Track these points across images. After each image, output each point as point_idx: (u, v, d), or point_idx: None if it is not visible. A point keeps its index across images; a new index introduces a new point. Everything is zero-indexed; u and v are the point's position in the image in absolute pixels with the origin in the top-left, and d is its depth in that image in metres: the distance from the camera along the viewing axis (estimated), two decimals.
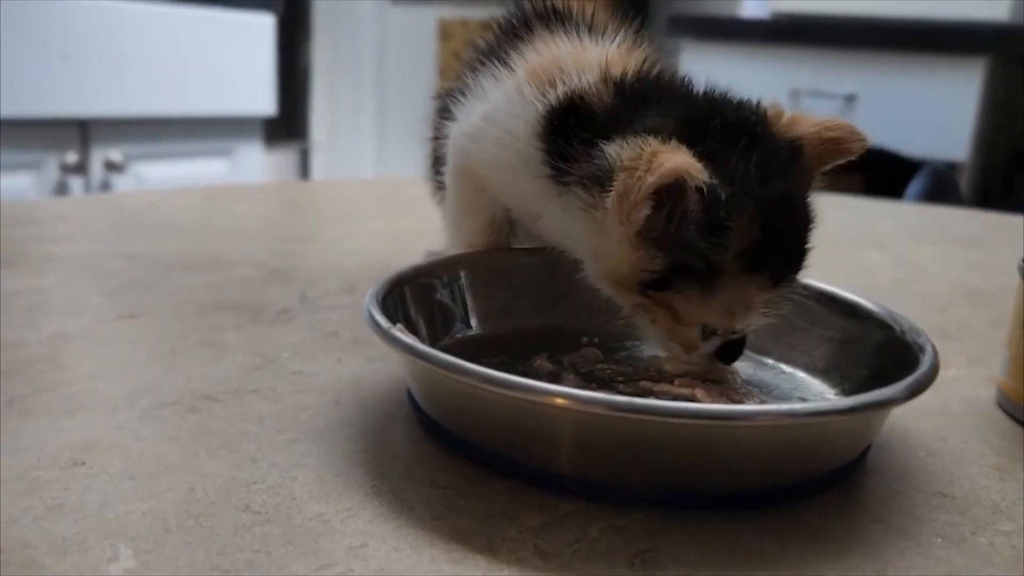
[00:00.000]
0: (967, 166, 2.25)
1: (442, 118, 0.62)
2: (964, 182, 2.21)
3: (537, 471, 0.43)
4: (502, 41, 0.58)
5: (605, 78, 0.50)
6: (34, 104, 1.93)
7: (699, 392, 0.48)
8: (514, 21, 0.60)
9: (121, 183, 2.11)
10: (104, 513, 0.39)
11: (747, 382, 0.53)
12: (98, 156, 2.09)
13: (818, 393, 0.53)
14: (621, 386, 0.50)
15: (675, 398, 0.48)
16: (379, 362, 0.58)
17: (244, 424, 0.49)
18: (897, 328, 0.51)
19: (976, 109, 2.23)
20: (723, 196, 0.43)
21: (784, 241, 0.47)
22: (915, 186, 1.76)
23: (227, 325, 0.64)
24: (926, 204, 1.65)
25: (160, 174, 2.17)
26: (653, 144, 0.45)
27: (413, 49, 3.08)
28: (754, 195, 0.45)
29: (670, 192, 0.43)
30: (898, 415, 0.51)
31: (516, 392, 0.41)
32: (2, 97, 1.83)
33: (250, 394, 0.52)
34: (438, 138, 0.64)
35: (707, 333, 0.49)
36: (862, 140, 0.49)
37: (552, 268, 0.57)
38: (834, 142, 0.48)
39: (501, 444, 0.44)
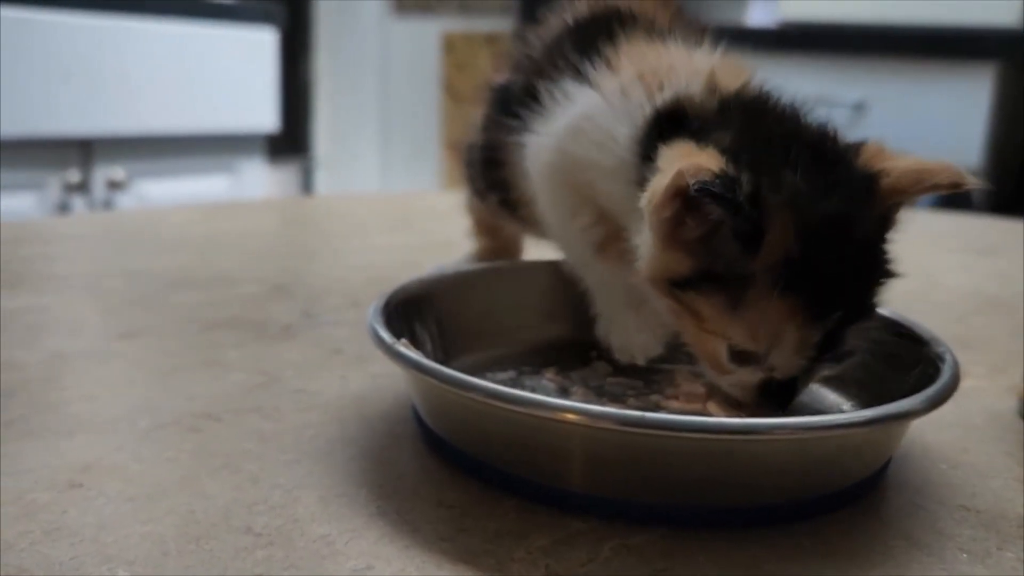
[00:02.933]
0: (979, 173, 2.23)
1: (504, 114, 0.59)
2: (977, 190, 2.20)
3: (547, 489, 0.42)
4: (577, 41, 0.56)
5: (712, 88, 0.48)
6: (35, 123, 1.93)
7: (712, 406, 0.47)
8: (586, 22, 0.58)
9: (123, 201, 2.10)
10: (102, 536, 0.38)
11: None
12: (100, 174, 2.08)
13: (834, 405, 0.52)
14: (632, 400, 0.49)
15: (687, 413, 0.47)
16: (384, 379, 0.57)
17: (245, 444, 0.48)
18: (916, 337, 0.50)
19: (987, 115, 2.21)
20: (743, 193, 0.41)
21: (830, 267, 0.43)
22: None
23: (228, 343, 0.63)
24: (941, 211, 1.64)
25: (163, 191, 2.16)
26: (686, 148, 0.44)
27: (417, 63, 3.08)
28: (796, 206, 0.42)
29: (699, 195, 0.42)
30: (918, 427, 0.49)
31: (525, 408, 0.40)
32: (3, 116, 1.83)
33: (252, 413, 0.51)
34: (493, 135, 0.62)
35: (739, 357, 0.45)
36: (956, 176, 0.45)
37: (561, 281, 0.56)
38: (920, 174, 0.45)
39: (509, 461, 0.43)
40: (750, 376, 0.46)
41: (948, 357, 0.47)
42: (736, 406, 0.47)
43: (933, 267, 1.01)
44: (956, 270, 1.01)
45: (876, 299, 0.46)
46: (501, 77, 0.64)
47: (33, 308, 0.71)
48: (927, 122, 2.21)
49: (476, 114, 0.67)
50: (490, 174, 0.64)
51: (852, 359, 0.47)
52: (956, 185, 0.44)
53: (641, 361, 0.53)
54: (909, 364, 0.49)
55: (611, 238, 0.53)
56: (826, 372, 0.48)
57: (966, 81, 2.22)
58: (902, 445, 0.48)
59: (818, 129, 0.47)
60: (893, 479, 0.46)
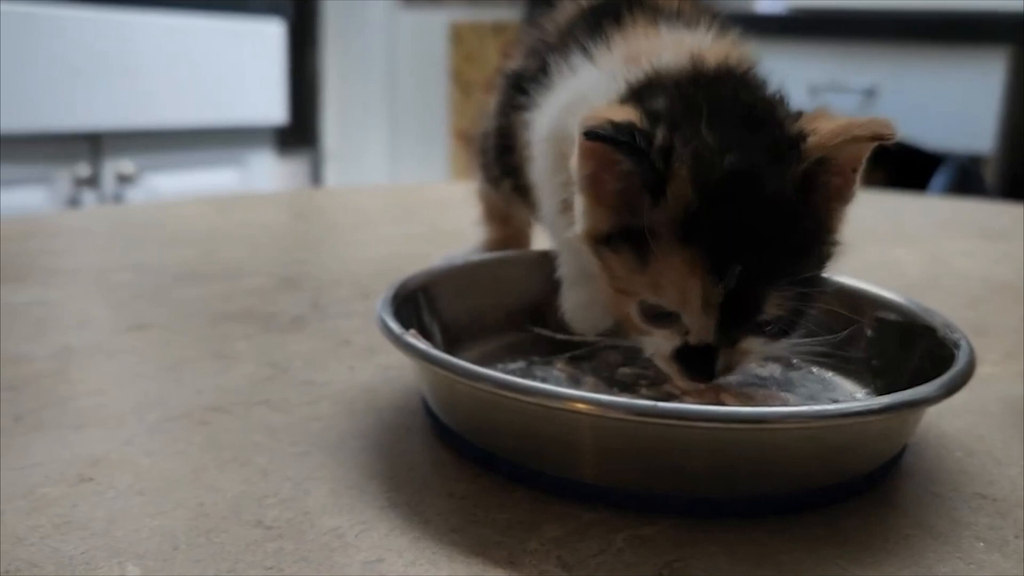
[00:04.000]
0: (992, 158, 2.22)
1: (518, 99, 0.60)
2: (990, 175, 2.18)
3: (558, 479, 0.41)
4: (587, 25, 0.56)
5: (696, 66, 0.48)
6: (45, 118, 1.93)
7: (725, 396, 0.46)
8: (598, 6, 0.58)
9: (133, 195, 2.11)
10: (112, 531, 0.38)
11: (772, 381, 0.51)
12: (110, 168, 2.09)
13: (848, 393, 0.51)
14: (644, 390, 0.49)
15: (700, 402, 0.46)
16: (393, 370, 0.56)
17: (255, 436, 0.47)
18: (930, 323, 0.50)
19: (1000, 100, 2.19)
20: (657, 146, 0.42)
21: (729, 220, 0.42)
22: (939, 180, 1.74)
23: (237, 335, 0.63)
24: (952, 198, 1.63)
25: (172, 185, 2.17)
26: (608, 107, 0.45)
27: (424, 54, 3.07)
28: (699, 158, 0.42)
29: (609, 157, 0.43)
30: (933, 414, 0.49)
31: (535, 398, 0.39)
32: (13, 111, 1.84)
33: (261, 405, 0.51)
34: (507, 120, 0.62)
35: (652, 317, 0.45)
36: (879, 127, 0.43)
37: None
38: (843, 128, 0.43)
39: (520, 452, 0.42)
40: (667, 341, 0.46)
41: (963, 343, 0.46)
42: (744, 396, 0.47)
43: (944, 253, 1.00)
44: (968, 256, 1.00)
45: (799, 263, 0.44)
46: (514, 63, 0.64)
47: (42, 302, 0.71)
48: (939, 107, 2.19)
49: (489, 100, 0.67)
50: (504, 160, 0.64)
51: (801, 335, 0.47)
52: (878, 136, 0.43)
53: (589, 334, 0.53)
54: (923, 350, 0.48)
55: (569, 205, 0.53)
56: (766, 349, 0.47)
57: (978, 66, 2.20)
58: (917, 433, 0.47)
59: (761, 97, 0.47)
60: (908, 467, 0.46)
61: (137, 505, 0.40)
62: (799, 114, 0.46)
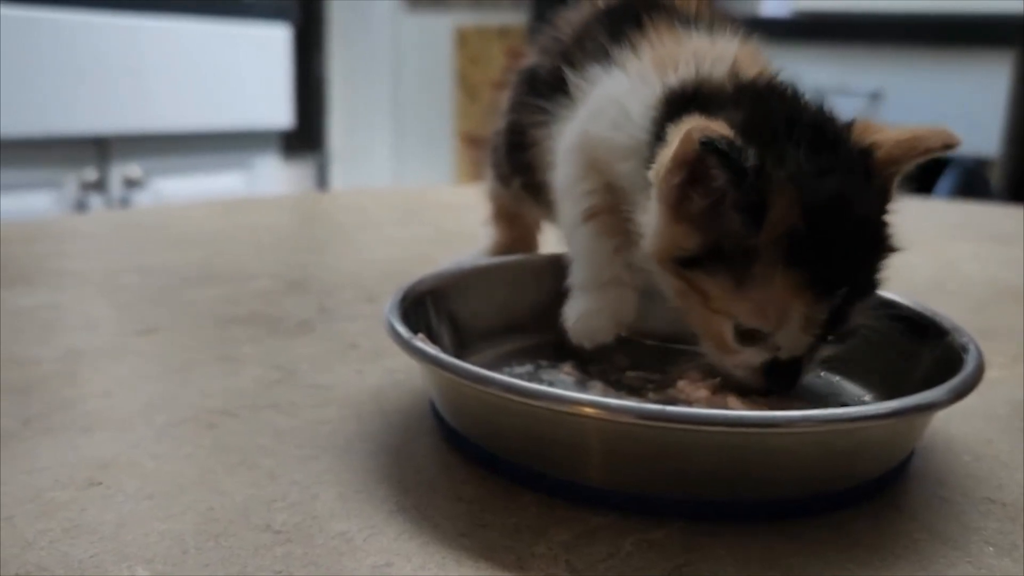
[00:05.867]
0: (998, 162, 2.21)
1: (531, 96, 0.60)
2: (995, 178, 2.18)
3: (566, 483, 0.41)
4: (607, 27, 0.56)
5: (734, 73, 0.49)
6: (52, 122, 1.94)
7: (732, 399, 0.46)
8: (616, 8, 0.58)
9: (140, 199, 2.11)
10: (121, 535, 0.38)
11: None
12: (117, 172, 2.09)
13: (855, 397, 0.51)
14: (651, 394, 0.49)
15: (707, 405, 0.46)
16: (401, 373, 0.56)
17: (262, 440, 0.47)
18: (938, 327, 0.50)
19: (1005, 104, 2.19)
20: (749, 161, 0.42)
21: (834, 242, 0.43)
22: (944, 184, 1.74)
23: (244, 338, 0.63)
24: (958, 201, 1.63)
25: (179, 189, 2.17)
26: (696, 119, 0.44)
27: (430, 57, 3.08)
28: (798, 181, 0.42)
29: (704, 164, 0.43)
30: (941, 418, 0.49)
31: (542, 402, 0.39)
32: (21, 115, 1.84)
33: (268, 409, 0.51)
34: (519, 117, 0.62)
35: (745, 337, 0.45)
36: (946, 137, 0.45)
37: None
38: (911, 141, 0.45)
39: (528, 456, 0.42)
40: (755, 357, 0.46)
41: (971, 347, 0.46)
42: (749, 394, 0.47)
43: (951, 256, 1.00)
44: (974, 259, 1.00)
45: (879, 275, 0.46)
46: (528, 60, 0.64)
47: (50, 305, 0.71)
48: (944, 110, 2.19)
49: (501, 98, 0.67)
50: (515, 157, 0.64)
51: (855, 342, 0.47)
52: (947, 146, 0.45)
53: (588, 345, 0.53)
54: (931, 354, 0.48)
55: (604, 209, 0.53)
56: (829, 353, 0.47)
57: (983, 69, 2.20)
58: (925, 437, 0.47)
59: (817, 110, 0.48)
60: (916, 471, 0.46)
61: (146, 509, 0.40)
62: (850, 124, 0.47)
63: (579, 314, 0.53)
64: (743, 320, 0.45)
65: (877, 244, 0.45)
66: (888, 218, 0.47)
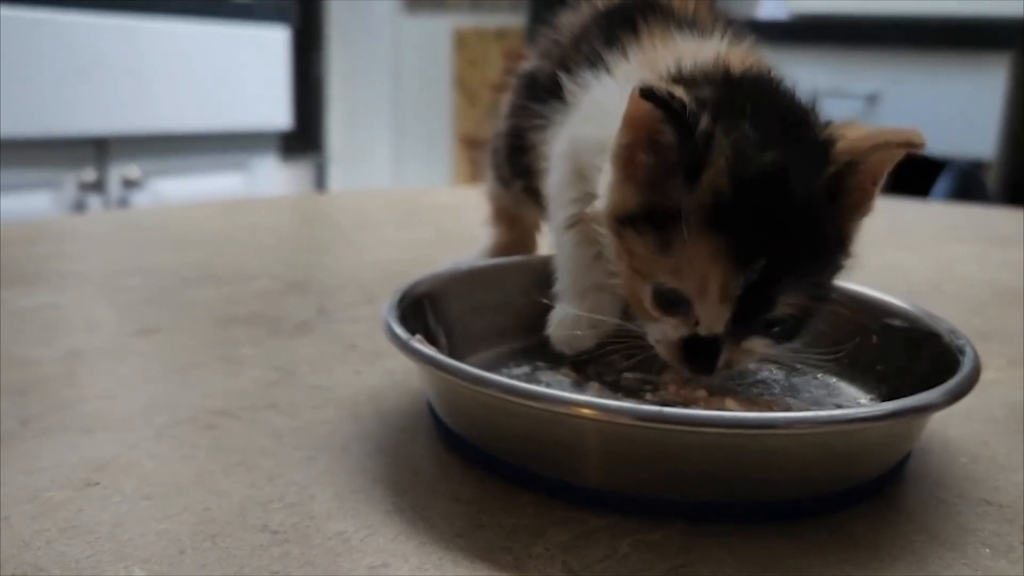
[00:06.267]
0: (994, 164, 2.21)
1: (531, 100, 0.60)
2: (992, 180, 2.18)
3: (564, 484, 0.41)
4: (601, 30, 0.57)
5: (719, 70, 0.49)
6: (51, 122, 1.94)
7: (730, 400, 0.46)
8: (612, 11, 0.59)
9: (139, 199, 2.11)
10: (118, 535, 0.38)
11: (776, 386, 0.51)
12: (116, 173, 2.09)
13: (853, 399, 0.51)
14: (648, 395, 0.49)
15: (705, 407, 0.46)
16: (399, 375, 0.56)
17: (261, 441, 0.47)
18: (935, 329, 0.50)
19: (1002, 106, 2.19)
20: (701, 125, 0.43)
21: (758, 213, 0.43)
22: (941, 186, 1.74)
23: (244, 339, 0.63)
24: (955, 203, 1.63)
25: (177, 190, 2.17)
26: (647, 80, 0.45)
27: (428, 59, 3.08)
28: (738, 150, 0.43)
29: (655, 124, 0.44)
30: (938, 420, 0.49)
31: (541, 403, 0.39)
32: (20, 116, 1.84)
33: (267, 409, 0.51)
34: (520, 121, 0.62)
35: (665, 303, 0.45)
36: (909, 135, 0.44)
37: None
38: (873, 134, 0.45)
39: (526, 457, 0.42)
40: (675, 330, 0.46)
41: (968, 349, 0.46)
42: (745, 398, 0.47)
43: (948, 258, 1.00)
44: (971, 261, 1.00)
45: (816, 268, 0.45)
46: (528, 63, 0.64)
47: (49, 306, 0.71)
48: (941, 113, 2.19)
49: (502, 100, 0.67)
50: (515, 161, 0.64)
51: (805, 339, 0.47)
52: (909, 143, 0.44)
53: (568, 352, 0.53)
54: (928, 356, 0.48)
55: (587, 217, 0.53)
56: (765, 351, 0.47)
57: (980, 72, 2.20)
58: (922, 438, 0.47)
59: (797, 103, 0.48)
60: (913, 473, 0.46)
61: (143, 509, 0.40)
62: (829, 121, 0.47)
63: (560, 322, 0.54)
64: (661, 279, 0.45)
65: (809, 229, 0.44)
66: (840, 214, 0.45)
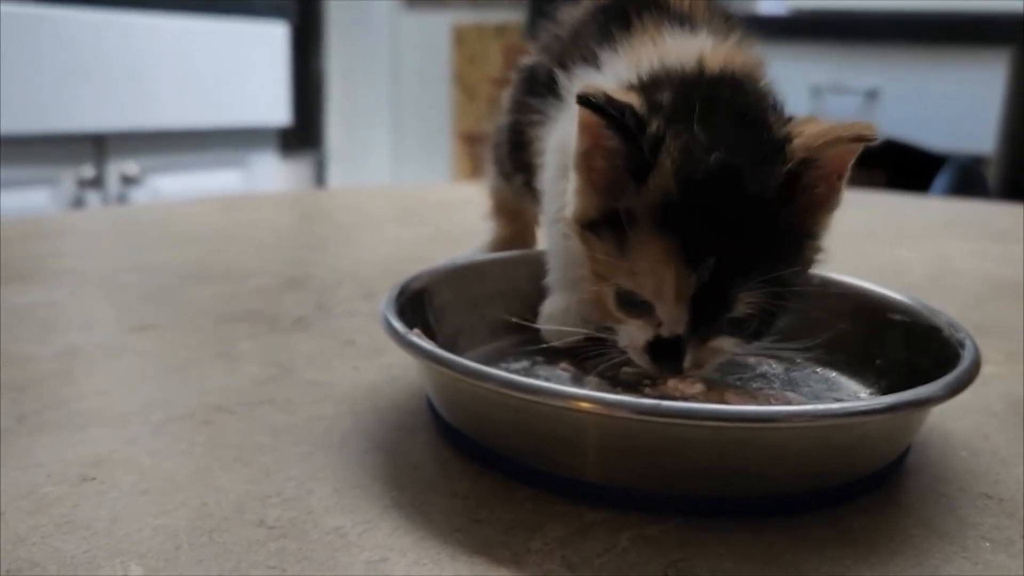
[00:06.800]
0: (994, 160, 2.21)
1: (530, 95, 0.61)
2: (991, 176, 2.18)
3: (562, 479, 0.41)
4: (597, 27, 0.57)
5: (700, 68, 0.49)
6: (49, 119, 1.94)
7: (729, 394, 0.46)
8: (608, 7, 0.59)
9: (137, 196, 2.11)
10: (114, 530, 0.38)
11: (775, 381, 0.51)
12: (114, 170, 2.09)
13: (852, 393, 0.51)
14: (647, 389, 0.49)
15: (704, 401, 0.46)
16: (397, 370, 0.56)
17: (258, 436, 0.47)
18: (935, 323, 0.50)
19: (1001, 101, 2.19)
20: (649, 134, 0.43)
21: (706, 212, 0.43)
22: (941, 182, 1.74)
23: (241, 335, 0.63)
24: (954, 199, 1.63)
25: (176, 186, 2.17)
26: (588, 84, 0.45)
27: (427, 55, 3.07)
28: (686, 151, 0.43)
29: (604, 128, 0.44)
30: (937, 414, 0.49)
31: (539, 397, 0.39)
32: (18, 112, 1.84)
33: (265, 405, 0.51)
34: (520, 116, 0.62)
35: (628, 306, 0.46)
36: (861, 129, 0.43)
37: None
38: (826, 130, 0.44)
39: (524, 451, 0.42)
40: (640, 333, 0.46)
41: (968, 343, 0.46)
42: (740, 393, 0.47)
43: (947, 253, 1.00)
44: (971, 256, 0.99)
45: (773, 263, 0.44)
46: (528, 58, 0.64)
47: (46, 303, 0.71)
48: (940, 109, 2.19)
49: (503, 95, 0.67)
50: (516, 156, 0.64)
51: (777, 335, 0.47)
52: (860, 137, 0.44)
53: (558, 344, 0.53)
54: (928, 350, 0.48)
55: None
56: (735, 348, 0.47)
57: (979, 67, 2.20)
58: (922, 432, 0.47)
59: (754, 100, 0.48)
60: (913, 467, 0.46)
61: (140, 505, 0.40)
62: (789, 118, 0.47)
63: (548, 314, 0.54)
64: (620, 282, 0.46)
65: (762, 227, 0.44)
66: (797, 210, 0.45)
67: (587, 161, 0.47)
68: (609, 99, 0.43)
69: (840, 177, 0.45)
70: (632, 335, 0.47)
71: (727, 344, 0.46)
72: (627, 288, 0.46)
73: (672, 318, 0.45)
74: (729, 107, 0.46)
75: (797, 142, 0.44)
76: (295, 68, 2.51)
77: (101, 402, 0.52)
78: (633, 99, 0.44)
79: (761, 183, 0.43)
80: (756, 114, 0.46)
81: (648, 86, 0.48)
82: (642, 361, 0.47)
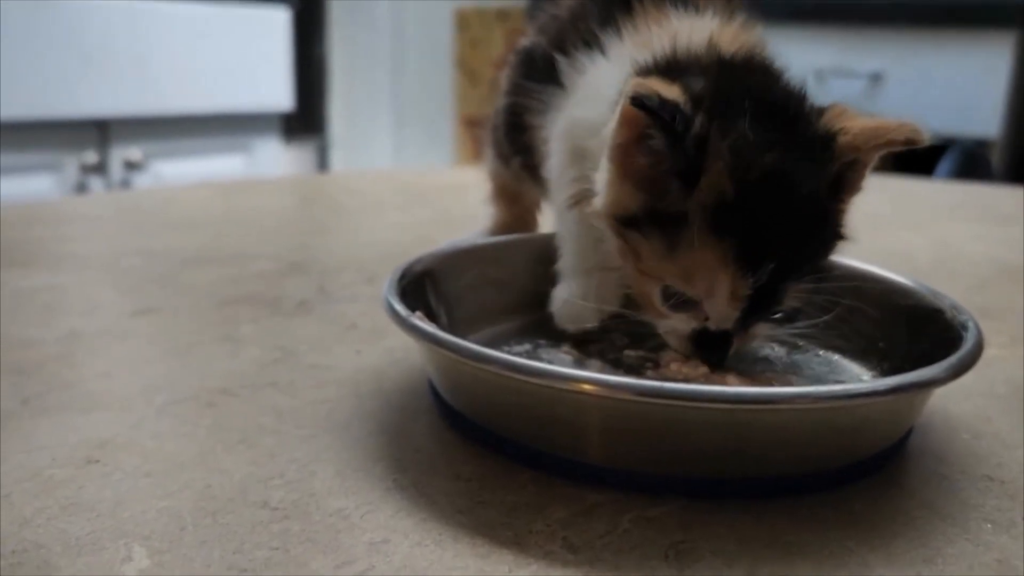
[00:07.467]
0: (998, 143, 2.20)
1: (528, 78, 0.60)
2: (996, 159, 2.17)
3: (564, 461, 0.41)
4: (599, 8, 0.56)
5: (711, 50, 0.48)
6: (53, 104, 1.93)
7: (731, 376, 0.46)
8: None
9: (140, 181, 2.11)
10: (119, 512, 0.38)
11: (778, 363, 0.51)
12: (117, 155, 2.09)
13: (855, 375, 0.51)
14: (649, 372, 0.49)
15: (706, 383, 0.46)
16: (399, 353, 0.56)
17: (262, 419, 0.47)
18: (938, 306, 0.49)
19: (1006, 85, 2.18)
20: (693, 133, 0.42)
21: (764, 216, 0.43)
22: (945, 165, 1.73)
23: (244, 319, 0.63)
24: (958, 182, 1.62)
25: (179, 171, 2.17)
26: (652, 79, 0.44)
27: (430, 40, 3.06)
28: (737, 151, 0.42)
29: (649, 124, 0.43)
30: (939, 396, 0.49)
31: (541, 379, 0.39)
32: (22, 98, 1.84)
33: (268, 388, 0.51)
34: (518, 98, 0.62)
35: (674, 302, 0.46)
36: (911, 132, 0.44)
37: None
38: (876, 131, 0.44)
39: (526, 434, 0.42)
40: (684, 324, 0.46)
41: (971, 325, 0.46)
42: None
43: (951, 236, 1.00)
44: (975, 239, 0.99)
45: (819, 258, 0.45)
46: (526, 39, 0.64)
47: (50, 287, 0.71)
48: (945, 92, 2.18)
49: (502, 77, 0.66)
50: (514, 138, 0.64)
51: (803, 322, 0.48)
52: (911, 141, 0.44)
53: (572, 329, 0.53)
54: (931, 332, 0.48)
55: (588, 196, 0.53)
56: (769, 333, 0.47)
57: (984, 51, 2.19)
58: (924, 415, 0.47)
59: (790, 91, 0.47)
60: (915, 449, 0.46)
61: (144, 487, 0.40)
62: (823, 109, 0.46)
63: (564, 299, 0.54)
64: (670, 283, 0.45)
65: (815, 226, 0.44)
66: (838, 204, 0.46)
67: (625, 153, 0.45)
68: (662, 101, 0.42)
69: (867, 166, 0.46)
70: (675, 326, 0.47)
71: (764, 329, 0.47)
72: (675, 289, 0.45)
73: (723, 316, 0.45)
74: (768, 99, 0.45)
75: (845, 141, 0.44)
76: (297, 53, 2.50)
77: (104, 385, 0.52)
78: (678, 93, 0.43)
79: (814, 183, 0.44)
80: (795, 106, 0.46)
81: (672, 72, 0.46)
82: (683, 349, 0.47)
